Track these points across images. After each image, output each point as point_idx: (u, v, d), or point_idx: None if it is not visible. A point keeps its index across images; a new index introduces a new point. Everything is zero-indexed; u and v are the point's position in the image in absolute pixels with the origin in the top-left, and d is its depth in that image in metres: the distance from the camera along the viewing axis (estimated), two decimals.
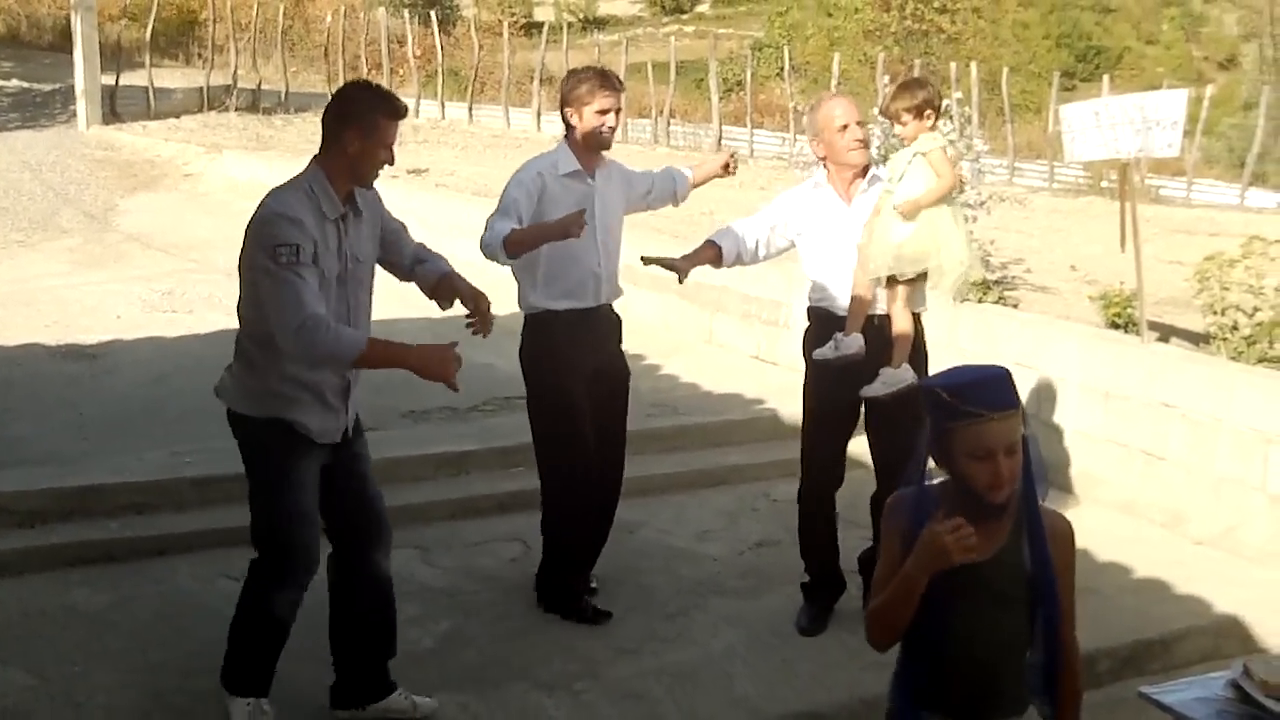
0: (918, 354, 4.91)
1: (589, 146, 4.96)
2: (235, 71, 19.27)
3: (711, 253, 5.09)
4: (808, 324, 5.09)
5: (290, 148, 15.71)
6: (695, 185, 5.38)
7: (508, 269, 4.95)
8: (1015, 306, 7.94)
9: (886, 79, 12.93)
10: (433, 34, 21.96)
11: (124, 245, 12.31)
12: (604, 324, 5.12)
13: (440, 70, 21.33)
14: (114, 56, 18.26)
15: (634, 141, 18.16)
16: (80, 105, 17.38)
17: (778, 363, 8.27)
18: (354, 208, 3.93)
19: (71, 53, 17.78)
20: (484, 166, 14.84)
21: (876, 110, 7.64)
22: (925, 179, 4.68)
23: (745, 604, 5.29)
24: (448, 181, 13.71)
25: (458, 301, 4.15)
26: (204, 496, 5.89)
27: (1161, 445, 6.24)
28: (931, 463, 2.71)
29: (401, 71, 22.10)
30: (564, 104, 5.02)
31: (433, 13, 26.44)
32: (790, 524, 5.28)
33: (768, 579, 5.50)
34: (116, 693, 4.40)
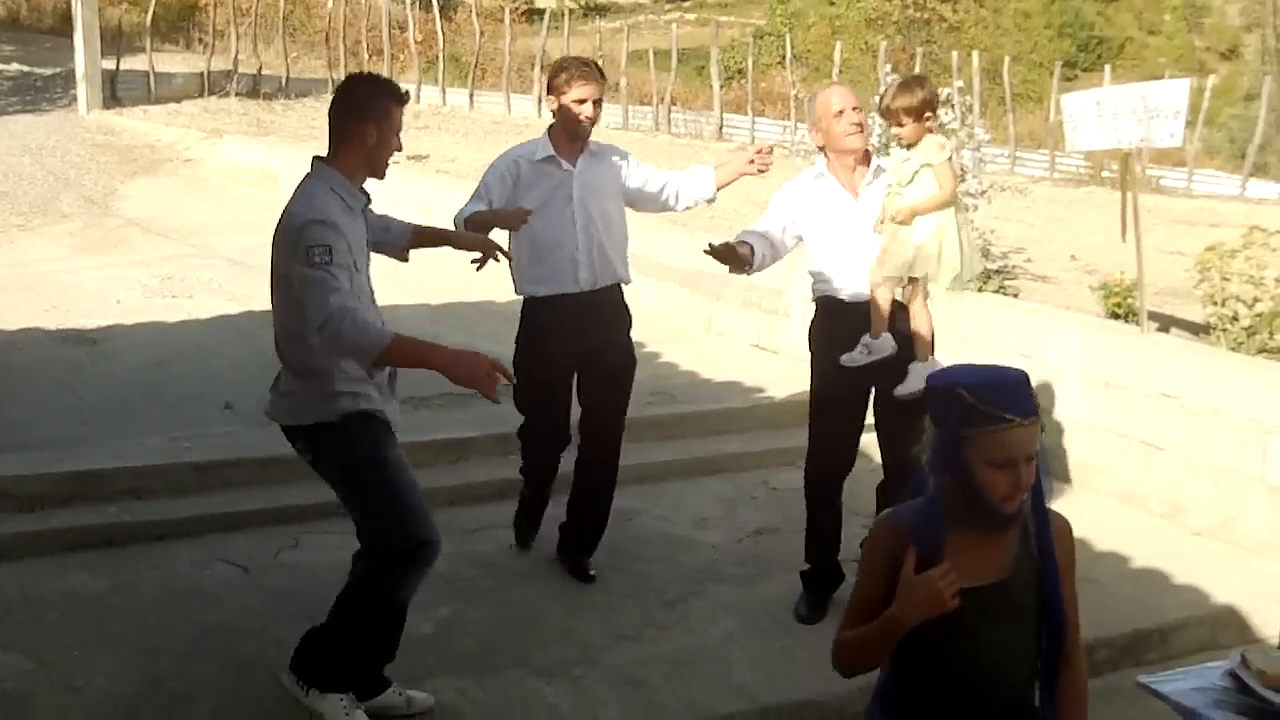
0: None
1: (568, 134, 5.09)
2: (236, 57, 19.20)
3: (746, 250, 4.97)
4: (814, 313, 5.07)
5: (291, 133, 15.68)
6: (721, 187, 5.34)
7: (510, 267, 5.11)
8: (1015, 296, 7.94)
9: (888, 68, 12.87)
10: (434, 20, 21.87)
11: (124, 230, 12.28)
12: (594, 309, 5.13)
13: (441, 56, 21.26)
14: (114, 41, 18.19)
15: (635, 129, 18.13)
16: (80, 89, 17.33)
17: (778, 351, 8.27)
18: (368, 197, 3.99)
19: (72, 37, 17.71)
20: (485, 153, 14.77)
21: (877, 98, 7.62)
22: (931, 188, 4.69)
23: (744, 591, 5.29)
24: (448, 168, 13.69)
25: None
26: (203, 482, 5.90)
27: (1161, 435, 6.25)
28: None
29: (402, 57, 22.03)
30: (547, 91, 5.20)
31: None
32: (789, 512, 5.29)
33: (766, 567, 5.50)
34: (116, 677, 4.40)
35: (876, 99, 7.82)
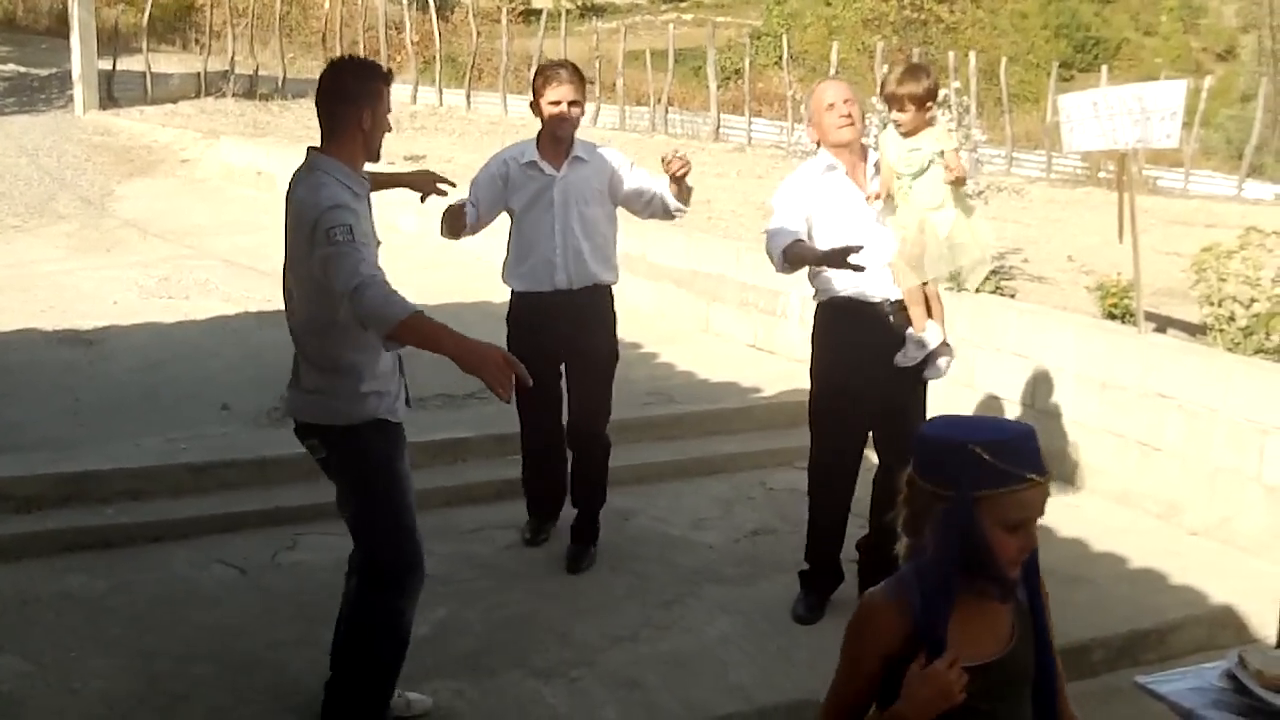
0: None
1: (550, 137, 5.25)
2: (232, 57, 19.20)
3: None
4: (819, 314, 4.98)
5: (287, 134, 15.67)
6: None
7: (503, 261, 5.39)
8: (1012, 296, 7.94)
9: (885, 68, 12.89)
10: (431, 20, 21.89)
11: (120, 231, 12.28)
12: (573, 309, 5.28)
13: (438, 57, 21.27)
14: (111, 41, 18.20)
15: (632, 129, 18.12)
16: (77, 90, 17.33)
17: (775, 351, 8.26)
18: (369, 183, 3.98)
19: (68, 37, 17.72)
20: (481, 153, 14.70)
21: (877, 88, 7.62)
22: (940, 182, 4.65)
23: (741, 592, 5.29)
24: (444, 168, 13.63)
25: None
26: (200, 483, 5.90)
27: (1157, 435, 6.25)
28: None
29: (399, 58, 22.01)
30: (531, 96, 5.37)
31: None
32: (786, 512, 5.29)
33: (763, 567, 5.50)
34: (112, 678, 4.40)
35: (877, 90, 7.83)
